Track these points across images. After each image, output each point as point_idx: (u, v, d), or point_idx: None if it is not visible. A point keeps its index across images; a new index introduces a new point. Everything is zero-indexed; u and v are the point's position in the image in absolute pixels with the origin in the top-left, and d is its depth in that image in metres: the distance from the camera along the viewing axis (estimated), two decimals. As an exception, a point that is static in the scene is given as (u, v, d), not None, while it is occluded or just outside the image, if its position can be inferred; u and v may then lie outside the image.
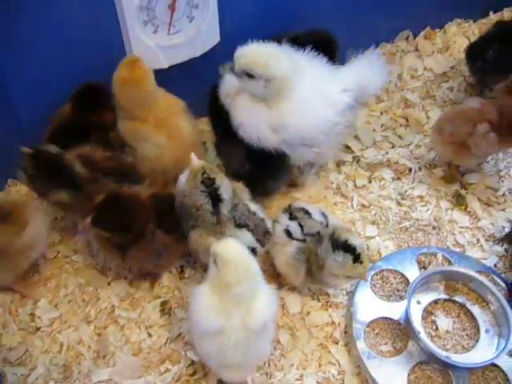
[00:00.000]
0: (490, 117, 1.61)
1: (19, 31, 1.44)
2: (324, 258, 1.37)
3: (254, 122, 1.47)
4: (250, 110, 1.48)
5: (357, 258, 1.35)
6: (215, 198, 1.33)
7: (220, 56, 1.66)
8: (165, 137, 1.52)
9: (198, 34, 1.58)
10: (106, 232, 1.35)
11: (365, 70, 1.55)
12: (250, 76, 1.41)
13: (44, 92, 1.54)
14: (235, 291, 1.18)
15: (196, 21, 1.56)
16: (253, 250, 1.36)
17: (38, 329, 1.49)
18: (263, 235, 1.43)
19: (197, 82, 1.62)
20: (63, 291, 1.55)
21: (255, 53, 1.41)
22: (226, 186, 1.36)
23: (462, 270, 1.51)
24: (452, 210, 1.73)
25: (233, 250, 1.19)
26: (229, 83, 1.52)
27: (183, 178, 1.36)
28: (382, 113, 1.96)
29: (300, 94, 1.47)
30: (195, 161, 1.34)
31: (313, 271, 1.42)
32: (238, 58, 1.41)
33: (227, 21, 1.66)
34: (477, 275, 1.49)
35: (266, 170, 1.54)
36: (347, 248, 1.35)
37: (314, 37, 1.76)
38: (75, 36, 1.50)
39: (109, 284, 1.56)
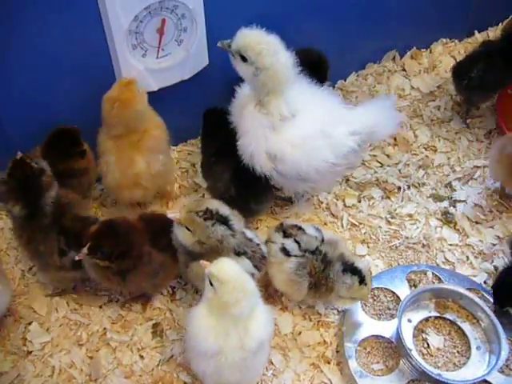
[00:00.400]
0: None
1: (8, 56, 1.45)
2: (334, 281, 1.39)
3: (254, 141, 1.47)
4: (256, 125, 1.47)
5: (362, 281, 1.38)
6: (225, 222, 1.35)
7: (209, 79, 1.70)
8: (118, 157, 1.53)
9: (187, 57, 1.60)
10: (105, 261, 1.34)
11: (376, 116, 1.54)
12: (244, 59, 1.39)
13: (34, 119, 1.55)
14: (234, 311, 1.18)
15: (184, 44, 1.58)
16: (251, 276, 1.35)
17: (29, 353, 1.48)
18: (260, 261, 1.44)
19: (186, 105, 1.64)
20: (54, 315, 1.55)
21: (255, 38, 1.38)
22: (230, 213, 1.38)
23: (452, 287, 1.52)
24: (441, 227, 1.74)
25: (229, 270, 1.20)
26: (241, 95, 1.52)
27: (178, 233, 1.36)
28: (370, 132, 1.98)
29: (305, 128, 1.46)
30: (175, 215, 1.34)
31: (320, 292, 1.43)
32: (237, 37, 1.39)
33: (215, 43, 1.67)
34: (467, 292, 1.50)
35: (251, 192, 1.55)
36: (354, 270, 1.39)
37: (305, 56, 1.78)
38: (64, 61, 1.51)
39: (100, 307, 1.56)
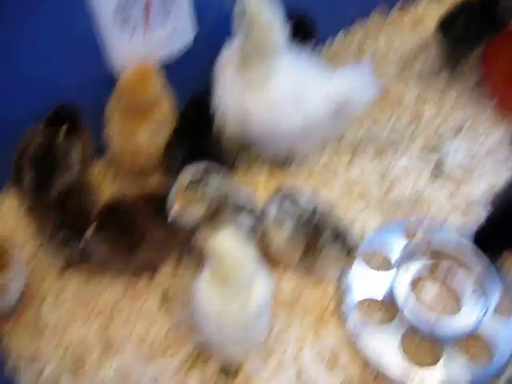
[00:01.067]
0: None
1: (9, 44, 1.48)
2: (321, 249, 1.47)
3: (229, 95, 1.57)
4: (233, 82, 1.57)
5: (349, 252, 1.49)
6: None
7: (195, 54, 1.73)
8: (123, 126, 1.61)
9: (174, 31, 1.63)
10: (112, 238, 1.42)
11: (352, 82, 1.60)
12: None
13: (21, 108, 1.58)
14: (233, 282, 1.26)
15: (171, 19, 1.61)
16: (252, 228, 1.48)
17: (45, 327, 1.55)
18: (258, 214, 1.52)
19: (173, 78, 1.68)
20: (66, 289, 1.62)
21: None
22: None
23: (444, 238, 1.58)
24: (435, 177, 1.79)
25: (227, 245, 1.25)
26: (226, 52, 1.61)
27: (188, 217, 1.44)
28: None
29: (277, 91, 1.54)
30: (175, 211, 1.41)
31: (308, 257, 1.51)
32: None
33: (201, 14, 1.70)
34: (458, 241, 1.56)
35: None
36: (342, 240, 1.48)
37: (292, 19, 1.81)
38: (52, 50, 1.54)
39: (111, 278, 1.62)
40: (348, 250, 1.48)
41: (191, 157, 1.52)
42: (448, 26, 1.93)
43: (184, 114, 1.67)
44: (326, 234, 1.47)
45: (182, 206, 1.40)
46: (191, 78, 1.71)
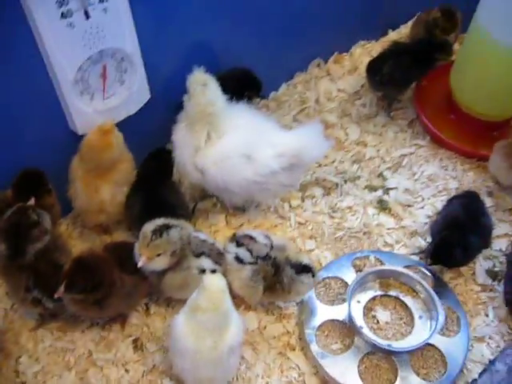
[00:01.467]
0: None
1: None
2: (290, 283, 1.58)
3: (184, 154, 1.71)
4: (186, 141, 1.70)
5: (313, 275, 1.59)
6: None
7: (152, 110, 1.86)
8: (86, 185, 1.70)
9: (130, 94, 1.75)
10: (82, 294, 1.49)
11: (303, 140, 1.74)
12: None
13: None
14: (210, 319, 1.37)
15: (127, 83, 1.73)
16: (214, 272, 1.58)
17: (23, 383, 1.62)
18: (218, 257, 1.64)
19: (133, 137, 1.80)
20: (41, 345, 1.68)
21: (193, 78, 1.65)
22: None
23: (391, 267, 1.73)
24: (378, 214, 1.95)
25: (217, 286, 1.37)
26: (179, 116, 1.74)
27: (155, 266, 1.55)
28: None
29: (228, 148, 1.68)
30: (143, 261, 1.52)
31: (277, 294, 1.62)
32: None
33: (155, 78, 1.83)
34: (405, 270, 1.71)
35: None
36: (307, 269, 1.58)
37: (235, 76, 1.97)
38: (14, 111, 1.62)
39: (82, 331, 1.70)
40: (312, 280, 1.60)
41: (152, 209, 1.63)
42: (375, 71, 2.12)
43: (144, 168, 1.79)
44: (290, 271, 1.58)
45: (147, 259, 1.51)
46: (150, 134, 1.86)
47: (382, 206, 1.97)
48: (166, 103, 1.82)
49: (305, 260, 1.60)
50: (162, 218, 1.56)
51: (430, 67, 2.15)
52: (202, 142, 1.67)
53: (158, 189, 1.72)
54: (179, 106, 1.72)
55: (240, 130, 1.70)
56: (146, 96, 1.81)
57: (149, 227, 1.53)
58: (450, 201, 1.82)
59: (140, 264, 1.50)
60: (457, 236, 1.68)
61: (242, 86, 1.92)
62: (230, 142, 1.69)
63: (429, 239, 1.83)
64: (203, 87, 1.62)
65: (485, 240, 1.73)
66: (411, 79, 2.16)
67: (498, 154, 1.94)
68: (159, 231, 1.52)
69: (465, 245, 1.68)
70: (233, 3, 1.90)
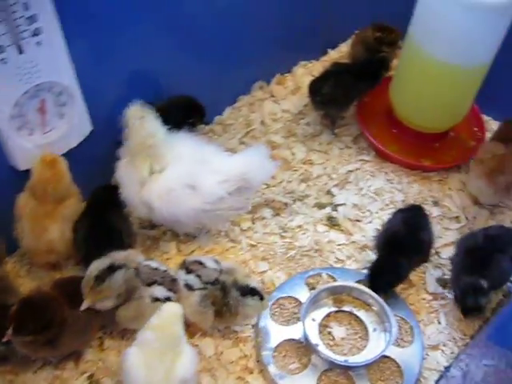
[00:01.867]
0: None
1: None
2: (236, 306, 1.58)
3: (129, 189, 1.69)
4: (129, 176, 1.69)
5: (261, 297, 1.59)
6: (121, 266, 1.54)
7: (95, 141, 1.85)
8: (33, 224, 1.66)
9: (71, 127, 1.73)
10: (31, 336, 1.44)
11: (248, 164, 1.76)
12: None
13: None
14: (159, 339, 1.35)
15: (66, 117, 1.71)
16: (168, 299, 1.56)
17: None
18: (171, 284, 1.62)
19: (77, 169, 1.78)
20: (-8, 390, 1.63)
21: (130, 112, 1.64)
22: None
23: (343, 283, 1.74)
24: (328, 231, 1.96)
25: (172, 310, 1.38)
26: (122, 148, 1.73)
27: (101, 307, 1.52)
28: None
29: (170, 178, 1.67)
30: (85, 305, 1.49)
31: (226, 317, 1.60)
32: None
33: (97, 109, 1.82)
34: (356, 285, 1.73)
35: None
36: (253, 291, 1.58)
37: (179, 104, 1.98)
38: None
39: (35, 372, 1.65)
40: (259, 303, 1.60)
41: (101, 242, 1.61)
42: (316, 91, 2.16)
43: (91, 201, 1.77)
44: (235, 294, 1.58)
45: (92, 301, 1.49)
46: (94, 166, 1.84)
47: (332, 222, 1.99)
48: (110, 134, 1.80)
49: (251, 283, 1.60)
50: (108, 258, 1.53)
51: (372, 85, 2.19)
52: (146, 176, 1.66)
53: (105, 216, 1.70)
54: (120, 142, 1.72)
55: (182, 160, 1.70)
56: (87, 128, 1.79)
57: (93, 271, 1.50)
58: (394, 214, 1.85)
59: (83, 307, 1.48)
60: (390, 260, 1.73)
61: (186, 114, 1.93)
62: (173, 173, 1.68)
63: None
64: (141, 120, 1.62)
65: (423, 255, 1.77)
66: (352, 98, 2.20)
67: (479, 177, 1.95)
68: (102, 277, 1.49)
69: (398, 267, 1.72)
70: (170, 31, 1.91)
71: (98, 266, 1.51)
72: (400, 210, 1.86)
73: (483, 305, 1.66)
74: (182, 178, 1.69)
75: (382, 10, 2.29)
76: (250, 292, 1.58)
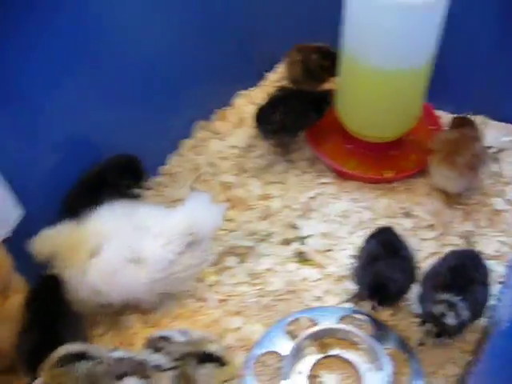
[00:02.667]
0: None
1: None
2: (193, 375, 1.41)
3: (72, 278, 1.53)
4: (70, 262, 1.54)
5: (222, 363, 1.42)
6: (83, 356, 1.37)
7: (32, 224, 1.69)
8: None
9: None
10: None
11: (192, 215, 1.62)
12: None
13: None
14: None
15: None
16: None
17: None
18: (143, 370, 1.44)
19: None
20: None
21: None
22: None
23: (325, 326, 1.61)
24: (299, 269, 1.83)
25: None
26: None
27: None
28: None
29: (110, 257, 1.53)
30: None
31: None
32: None
33: (29, 189, 1.66)
34: (339, 325, 1.59)
35: None
36: (210, 358, 1.42)
37: (118, 164, 1.84)
38: None
39: None
40: (220, 370, 1.44)
41: (48, 341, 1.45)
42: (265, 120, 2.03)
43: (32, 299, 1.60)
44: (191, 362, 1.43)
45: (46, 381, 1.32)
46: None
47: (302, 258, 1.85)
48: (50, 211, 1.66)
49: (211, 348, 1.44)
50: (80, 346, 1.38)
51: (321, 113, 2.08)
52: (86, 261, 1.52)
53: (52, 322, 1.52)
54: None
55: (119, 234, 1.55)
56: (16, 213, 1.63)
57: (60, 351, 1.34)
58: (366, 241, 1.71)
59: (36, 382, 1.33)
60: (386, 271, 1.57)
61: (123, 177, 1.79)
62: (112, 251, 1.54)
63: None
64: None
65: (411, 273, 1.62)
66: (304, 124, 2.07)
67: (438, 166, 1.88)
68: (65, 361, 1.33)
69: (395, 278, 1.57)
70: (98, 90, 1.77)
71: (68, 348, 1.36)
72: (371, 236, 1.72)
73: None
74: (123, 254, 1.53)
75: (310, 23, 2.20)
76: (207, 359, 1.42)
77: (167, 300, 1.77)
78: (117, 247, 1.53)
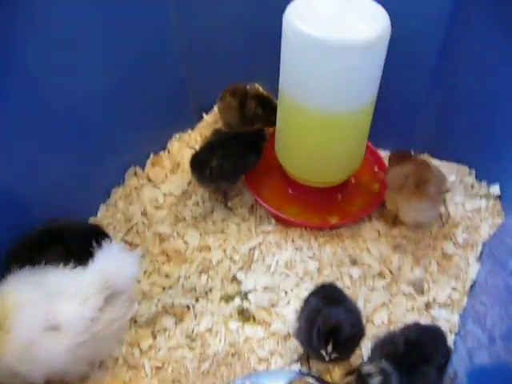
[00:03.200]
0: None
1: None
2: None
3: None
4: None
5: None
6: None
7: None
8: None
9: None
10: None
11: (104, 268, 1.46)
12: None
13: None
14: None
15: None
16: None
17: None
18: None
19: None
20: None
21: None
22: None
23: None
24: (242, 327, 1.69)
25: None
26: None
27: None
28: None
29: (22, 331, 1.34)
30: None
31: None
32: None
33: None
34: None
35: None
36: None
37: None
38: None
39: None
40: None
41: None
42: (202, 166, 1.89)
43: None
44: None
45: None
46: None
47: (244, 315, 1.72)
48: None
49: None
50: None
51: (262, 149, 1.98)
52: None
53: None
54: None
55: (31, 305, 1.38)
56: None
57: None
58: (305, 301, 1.59)
59: None
60: (334, 315, 1.45)
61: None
62: (25, 324, 1.35)
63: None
64: None
65: (358, 323, 1.50)
66: (244, 168, 1.95)
67: (411, 200, 1.79)
68: None
69: (346, 319, 1.44)
70: (26, 139, 1.62)
71: None
72: (311, 294, 1.59)
73: None
74: (38, 324, 1.36)
75: (246, 65, 2.10)
76: None
77: (96, 370, 1.59)
78: (29, 318, 1.35)
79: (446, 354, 1.48)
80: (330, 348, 1.41)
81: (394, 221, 1.93)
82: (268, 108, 2.05)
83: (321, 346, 1.42)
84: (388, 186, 1.88)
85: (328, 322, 1.43)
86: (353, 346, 1.49)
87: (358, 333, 1.48)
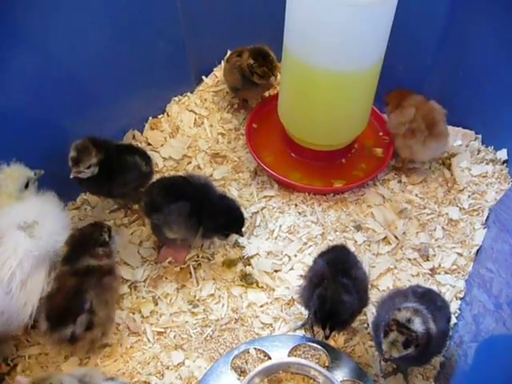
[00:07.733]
0: None
1: None
2: None
3: None
4: None
5: None
6: None
7: None
8: None
9: None
10: None
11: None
12: None
13: None
14: None
15: None
16: None
17: None
18: None
19: None
20: None
21: None
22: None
23: (276, 361, 1.44)
24: (246, 292, 1.66)
25: None
26: None
27: None
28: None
29: None
30: None
31: None
32: None
33: None
34: (291, 359, 1.44)
35: None
36: None
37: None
38: None
39: None
40: None
41: None
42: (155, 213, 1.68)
43: None
44: None
45: None
46: None
47: (247, 281, 1.68)
48: None
49: None
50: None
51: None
52: None
53: None
54: None
55: None
56: None
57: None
58: (314, 261, 1.55)
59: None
60: (333, 293, 1.40)
61: None
62: None
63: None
64: None
65: (361, 296, 1.46)
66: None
67: (427, 142, 1.85)
68: None
69: (345, 301, 1.40)
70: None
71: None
72: (320, 255, 1.55)
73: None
74: None
75: (248, 25, 2.04)
76: None
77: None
78: None
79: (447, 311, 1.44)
80: (327, 331, 1.38)
81: (407, 165, 1.94)
82: (261, 59, 1.94)
83: (318, 327, 1.40)
84: (396, 134, 1.88)
85: (325, 307, 1.38)
86: (353, 321, 1.47)
87: (359, 309, 1.46)
